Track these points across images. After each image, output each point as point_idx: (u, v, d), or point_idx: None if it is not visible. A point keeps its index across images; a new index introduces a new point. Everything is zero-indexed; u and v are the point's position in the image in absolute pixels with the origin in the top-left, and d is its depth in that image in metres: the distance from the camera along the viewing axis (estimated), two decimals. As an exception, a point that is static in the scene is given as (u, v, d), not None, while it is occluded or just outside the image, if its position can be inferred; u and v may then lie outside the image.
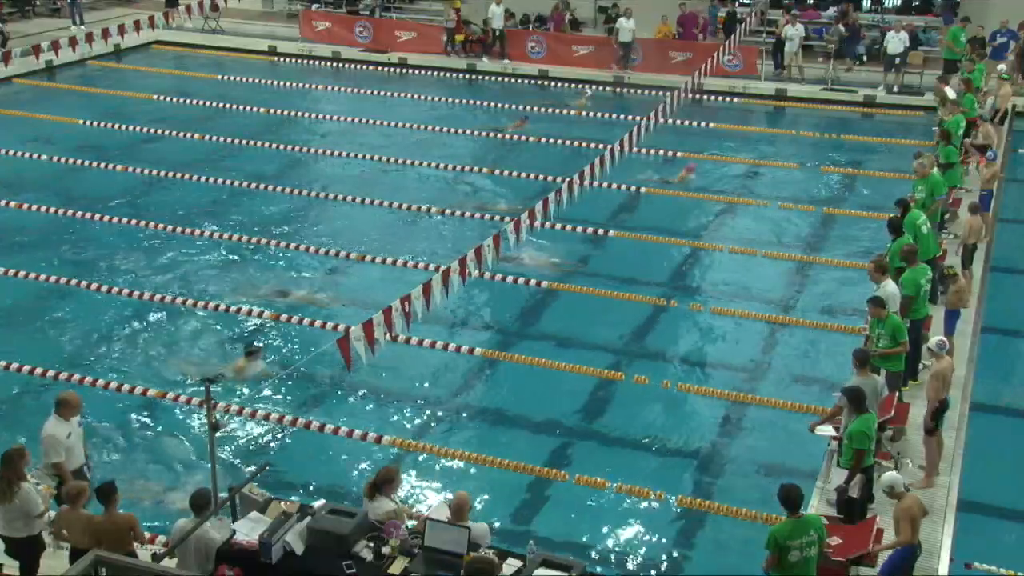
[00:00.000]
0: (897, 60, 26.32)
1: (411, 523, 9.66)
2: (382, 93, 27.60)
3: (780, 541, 8.87)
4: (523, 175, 21.43)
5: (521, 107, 25.92)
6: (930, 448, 11.57)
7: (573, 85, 28.08)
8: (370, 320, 11.61)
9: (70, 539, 9.25)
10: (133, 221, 18.97)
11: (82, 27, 30.76)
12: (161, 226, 18.77)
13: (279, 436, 12.95)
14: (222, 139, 23.60)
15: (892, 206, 15.11)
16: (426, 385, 14.15)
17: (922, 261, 13.88)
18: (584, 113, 25.68)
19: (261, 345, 13.40)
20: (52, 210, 19.44)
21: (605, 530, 11.40)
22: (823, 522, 9.41)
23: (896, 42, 26.15)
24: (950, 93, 20.51)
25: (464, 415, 13.58)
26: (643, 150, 21.35)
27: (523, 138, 23.62)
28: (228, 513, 9.69)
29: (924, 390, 11.92)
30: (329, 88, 28.31)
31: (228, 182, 21.02)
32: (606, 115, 25.48)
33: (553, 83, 28.39)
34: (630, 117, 22.26)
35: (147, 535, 10.33)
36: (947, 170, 16.85)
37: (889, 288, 12.60)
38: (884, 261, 13.17)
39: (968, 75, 21.68)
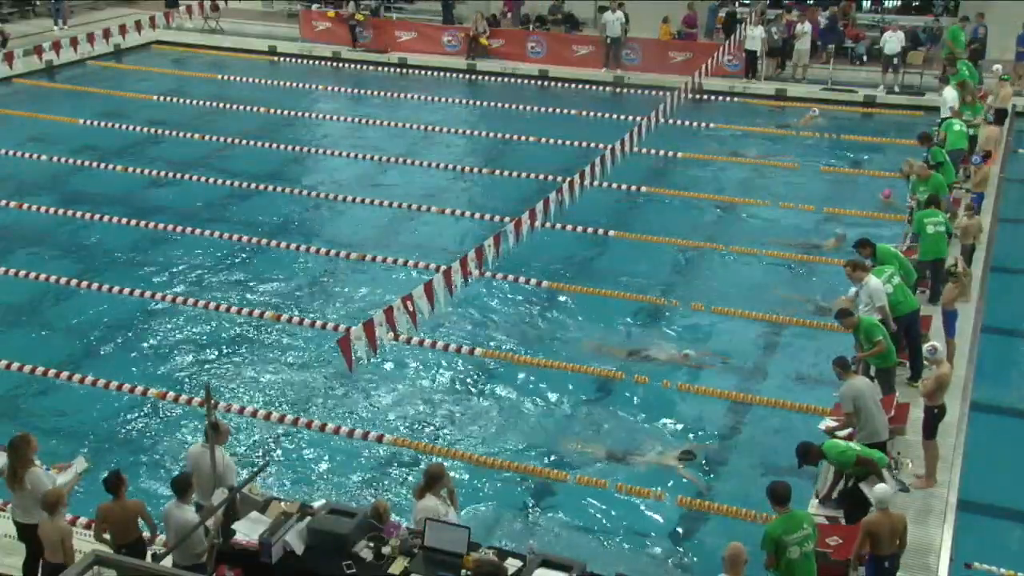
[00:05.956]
0: (895, 60, 26.31)
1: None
2: (382, 93, 27.61)
3: (777, 537, 8.85)
4: (523, 175, 21.43)
5: (522, 107, 25.92)
6: (928, 450, 11.55)
7: (573, 85, 28.10)
8: (371, 320, 11.60)
9: (46, 555, 9.06)
10: (133, 221, 18.96)
11: (65, 28, 30.82)
12: (161, 226, 18.78)
13: (279, 436, 12.95)
14: (222, 139, 23.60)
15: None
16: (426, 385, 14.14)
17: (930, 260, 14.50)
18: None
19: (693, 453, 12.75)
20: (52, 210, 19.45)
21: (605, 530, 11.39)
22: (813, 517, 9.42)
23: (893, 42, 26.13)
24: (949, 94, 20.48)
25: (464, 415, 13.56)
26: (645, 150, 21.35)
27: (519, 140, 23.46)
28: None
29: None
30: (329, 88, 28.30)
31: (228, 182, 21.02)
32: (606, 115, 25.46)
33: (553, 83, 28.40)
34: (630, 117, 22.20)
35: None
36: (937, 170, 16.89)
37: (872, 284, 12.64)
38: (856, 259, 13.13)
39: (952, 76, 21.69)
